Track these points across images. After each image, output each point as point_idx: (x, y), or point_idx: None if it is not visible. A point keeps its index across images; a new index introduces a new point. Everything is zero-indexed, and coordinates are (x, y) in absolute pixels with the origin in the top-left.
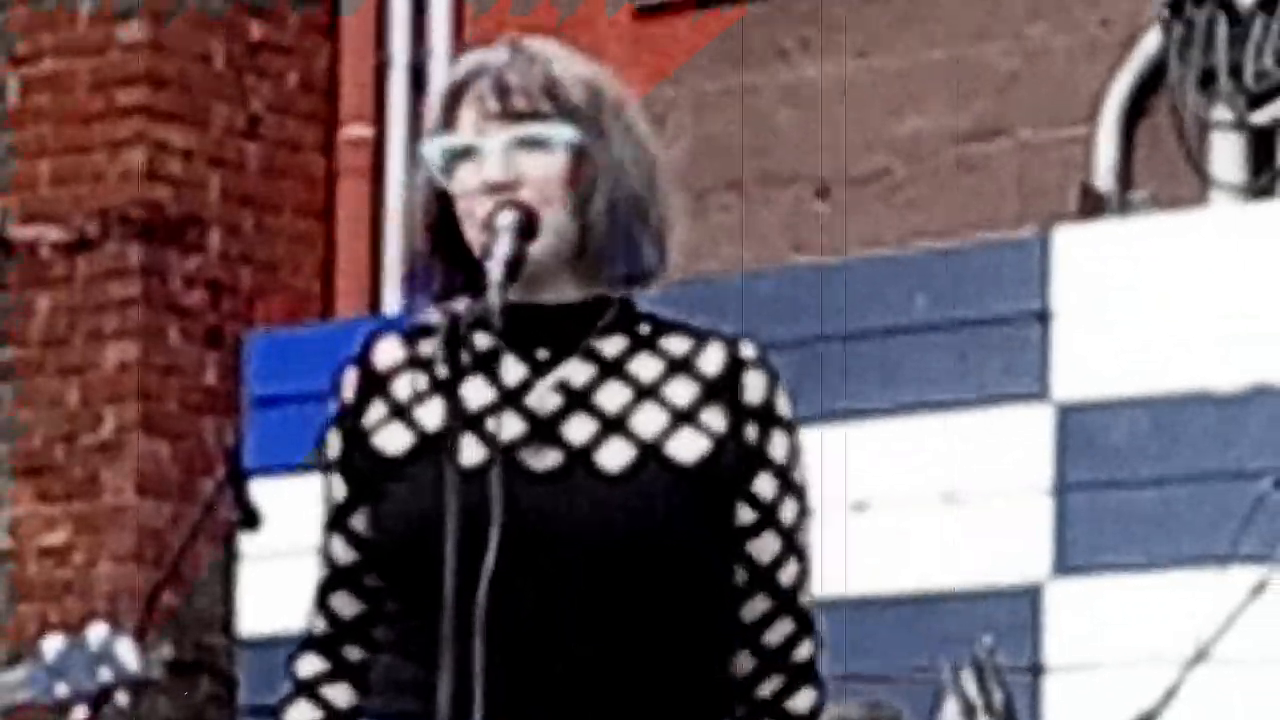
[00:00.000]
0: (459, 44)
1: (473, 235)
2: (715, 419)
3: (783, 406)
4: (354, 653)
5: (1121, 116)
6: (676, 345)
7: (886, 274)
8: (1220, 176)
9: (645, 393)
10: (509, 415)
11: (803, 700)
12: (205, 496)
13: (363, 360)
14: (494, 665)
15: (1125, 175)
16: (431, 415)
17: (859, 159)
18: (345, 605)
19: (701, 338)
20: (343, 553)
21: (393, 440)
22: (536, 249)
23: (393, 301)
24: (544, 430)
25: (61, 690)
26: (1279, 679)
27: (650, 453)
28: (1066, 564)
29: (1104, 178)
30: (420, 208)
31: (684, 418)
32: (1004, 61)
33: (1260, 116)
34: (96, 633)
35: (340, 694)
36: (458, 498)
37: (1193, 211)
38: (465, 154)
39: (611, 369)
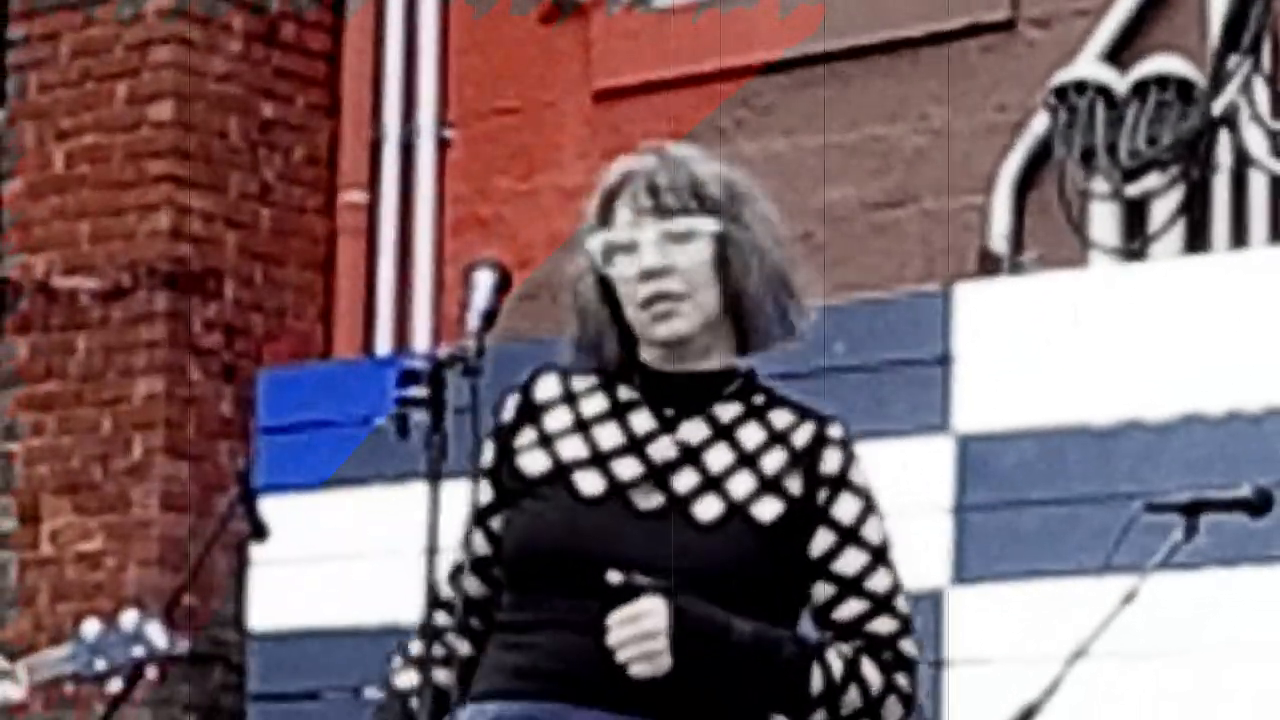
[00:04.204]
0: (444, 123)
1: (630, 314)
2: (794, 484)
3: (856, 476)
4: (475, 622)
5: (1014, 188)
6: (780, 419)
7: (810, 323)
8: (1099, 241)
9: (745, 459)
10: (631, 458)
11: (884, 625)
12: (220, 511)
13: (525, 390)
14: (599, 659)
15: (1017, 239)
16: (570, 447)
17: (786, 223)
18: (474, 587)
19: (802, 415)
20: (481, 546)
21: (534, 463)
22: (689, 325)
23: (384, 344)
24: (656, 476)
25: (100, 665)
26: (1146, 674)
27: (736, 510)
28: (964, 574)
29: (998, 241)
30: (590, 290)
31: (769, 484)
32: (911, 140)
33: (1133, 189)
34: (129, 616)
35: (463, 646)
36: (579, 522)
37: (1075, 271)
38: (624, 248)
39: (723, 433)
